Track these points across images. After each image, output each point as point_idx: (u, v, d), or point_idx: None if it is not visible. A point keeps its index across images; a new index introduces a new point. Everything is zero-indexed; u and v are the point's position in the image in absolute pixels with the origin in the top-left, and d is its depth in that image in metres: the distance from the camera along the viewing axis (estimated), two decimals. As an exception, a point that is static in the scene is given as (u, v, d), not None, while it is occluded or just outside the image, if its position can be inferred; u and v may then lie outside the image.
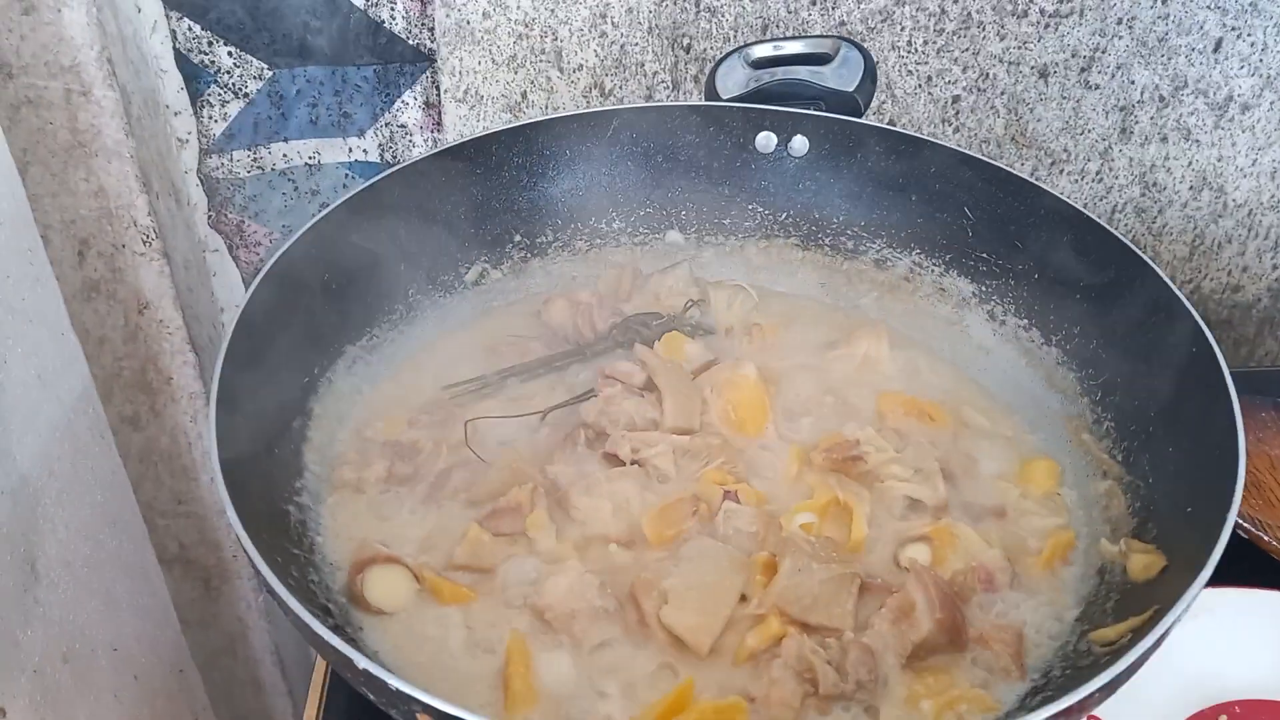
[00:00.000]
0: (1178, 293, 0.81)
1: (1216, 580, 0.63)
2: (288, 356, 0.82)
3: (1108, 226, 0.87)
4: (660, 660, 0.70)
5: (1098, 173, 1.30)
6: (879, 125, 1.02)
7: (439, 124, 1.18)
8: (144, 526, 1.09)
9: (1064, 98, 1.23)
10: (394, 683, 0.54)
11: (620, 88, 1.18)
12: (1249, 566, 0.90)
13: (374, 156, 1.19)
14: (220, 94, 1.12)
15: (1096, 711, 0.70)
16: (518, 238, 1.03)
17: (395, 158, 1.19)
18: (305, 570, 0.71)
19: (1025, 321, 0.96)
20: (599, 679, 0.69)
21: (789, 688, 0.66)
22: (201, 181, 1.17)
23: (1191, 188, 1.31)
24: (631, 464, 0.81)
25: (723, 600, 0.72)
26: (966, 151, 0.96)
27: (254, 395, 0.75)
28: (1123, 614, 0.69)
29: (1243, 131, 1.26)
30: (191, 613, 1.29)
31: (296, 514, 0.76)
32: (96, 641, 0.95)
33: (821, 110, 1.00)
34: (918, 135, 0.99)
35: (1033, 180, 0.93)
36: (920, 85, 1.21)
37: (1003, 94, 1.23)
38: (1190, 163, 1.29)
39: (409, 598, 0.73)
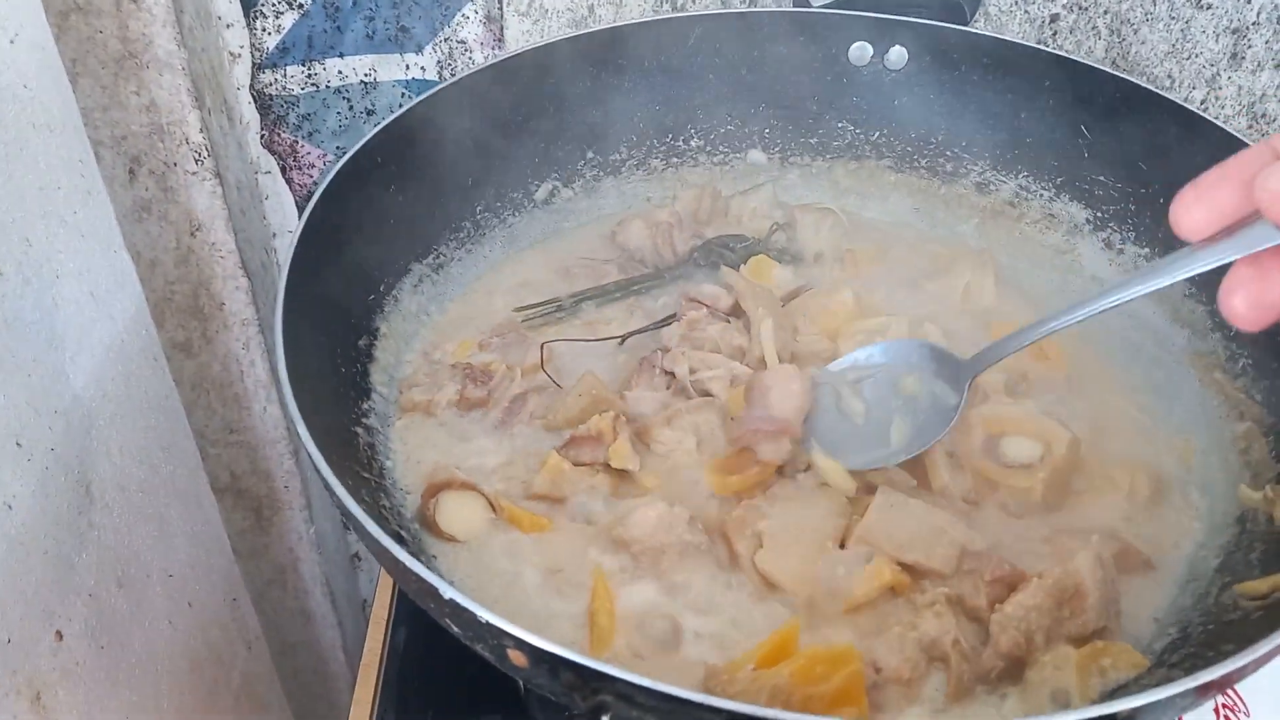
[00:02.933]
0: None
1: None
2: (353, 270, 0.78)
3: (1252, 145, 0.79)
4: (759, 601, 0.65)
5: (1202, 102, 1.20)
6: (987, 34, 0.94)
7: (500, 39, 1.11)
8: (197, 454, 1.07)
9: (1172, 18, 1.13)
10: (485, 615, 0.50)
11: (695, 0, 1.10)
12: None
13: (432, 74, 1.13)
14: (274, 4, 1.07)
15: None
16: (590, 155, 0.98)
17: (454, 76, 1.13)
18: (376, 495, 0.67)
19: (1147, 250, 0.89)
20: (690, 619, 0.64)
21: (920, 669, 0.60)
22: (254, 98, 1.12)
23: (1304, 120, 1.21)
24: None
25: (823, 544, 0.66)
26: (1087, 62, 0.88)
27: (319, 308, 0.71)
28: (1272, 566, 0.63)
29: (1367, 57, 1.15)
30: (242, 543, 1.27)
31: (365, 436, 0.72)
32: (151, 567, 0.93)
33: (923, 17, 0.92)
34: (1031, 44, 0.91)
35: (1162, 93, 0.85)
36: (1016, 3, 1.11)
37: (1105, 13, 1.13)
38: (1305, 92, 1.19)
39: (483, 526, 0.69)
